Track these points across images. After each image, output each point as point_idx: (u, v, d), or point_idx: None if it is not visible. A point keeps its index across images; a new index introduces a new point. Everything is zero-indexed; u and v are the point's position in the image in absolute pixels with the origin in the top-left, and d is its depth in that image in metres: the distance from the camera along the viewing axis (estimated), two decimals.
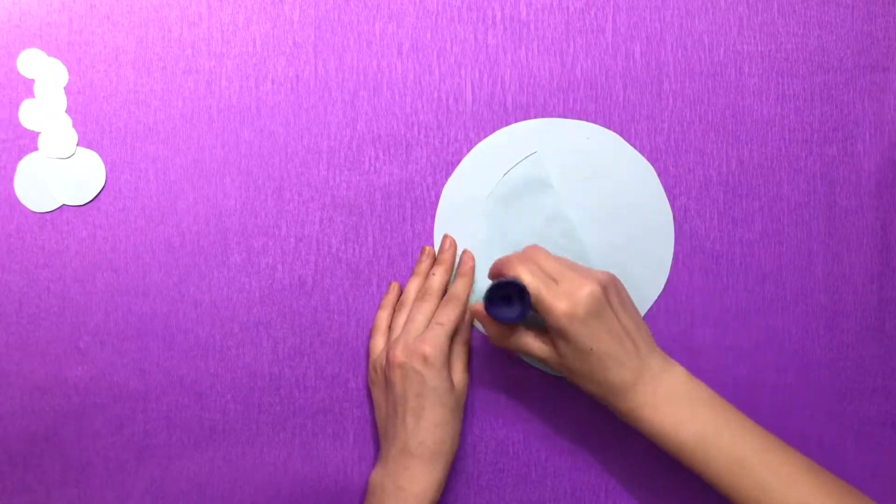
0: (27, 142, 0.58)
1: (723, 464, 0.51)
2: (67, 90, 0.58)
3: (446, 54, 0.59)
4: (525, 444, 0.59)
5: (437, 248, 0.59)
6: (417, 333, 0.54)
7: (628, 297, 0.54)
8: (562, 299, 0.51)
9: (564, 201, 0.59)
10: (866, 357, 0.60)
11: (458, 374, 0.55)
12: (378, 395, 0.56)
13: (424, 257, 0.59)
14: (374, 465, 0.59)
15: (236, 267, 0.59)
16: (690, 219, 0.60)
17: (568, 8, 0.60)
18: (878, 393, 0.60)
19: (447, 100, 0.59)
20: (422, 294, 0.57)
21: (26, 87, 0.58)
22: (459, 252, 0.59)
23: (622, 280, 0.55)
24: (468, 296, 0.57)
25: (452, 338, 0.55)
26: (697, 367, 0.60)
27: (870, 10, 0.61)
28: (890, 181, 0.60)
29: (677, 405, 0.52)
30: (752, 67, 0.60)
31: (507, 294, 0.52)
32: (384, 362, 0.55)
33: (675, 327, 0.60)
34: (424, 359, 0.53)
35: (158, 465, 0.58)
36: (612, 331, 0.52)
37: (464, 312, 0.56)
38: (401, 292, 0.59)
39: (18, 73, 0.58)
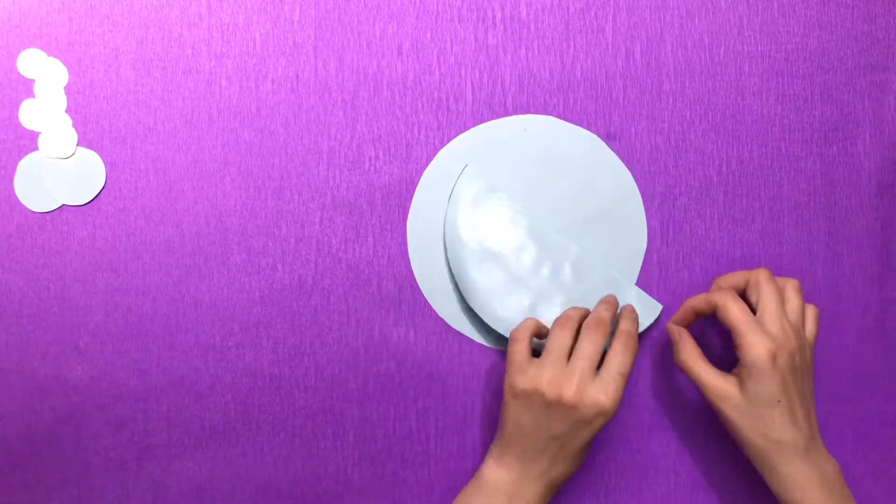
0: (27, 142, 0.58)
1: None
2: (67, 90, 0.58)
3: (446, 54, 0.60)
4: None
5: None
6: (590, 372, 0.51)
7: (812, 374, 0.54)
8: (768, 340, 0.50)
9: (522, 198, 0.59)
10: (866, 357, 0.60)
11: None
12: (520, 409, 0.52)
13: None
14: (373, 464, 0.59)
15: (236, 267, 0.59)
16: (690, 219, 0.60)
17: (568, 8, 0.60)
18: (878, 393, 0.60)
19: (447, 100, 0.59)
20: (594, 323, 0.53)
21: (26, 87, 0.58)
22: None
23: (603, 255, 0.57)
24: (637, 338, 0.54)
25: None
26: None
27: (870, 10, 0.61)
28: (890, 181, 0.61)
29: (831, 493, 0.50)
30: (752, 67, 0.60)
31: None
32: (545, 384, 0.51)
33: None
34: (600, 411, 0.50)
35: (158, 465, 0.58)
36: (802, 392, 0.51)
37: (636, 348, 0.53)
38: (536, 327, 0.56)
39: (18, 73, 0.58)
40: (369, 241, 0.59)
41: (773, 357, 0.50)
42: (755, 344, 0.50)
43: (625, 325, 0.54)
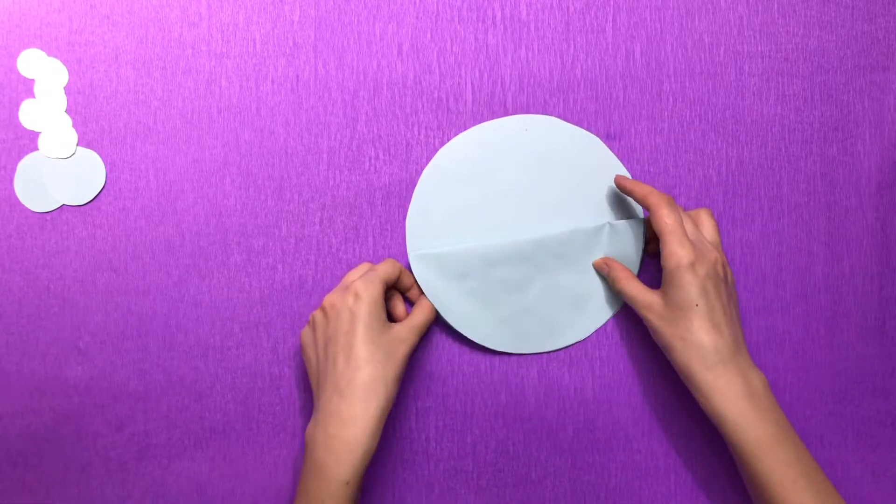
0: (27, 142, 0.58)
1: (774, 477, 0.50)
2: (67, 90, 0.58)
3: (446, 54, 0.60)
4: (525, 444, 0.59)
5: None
6: (348, 283, 0.55)
7: (734, 288, 0.55)
8: (689, 248, 0.52)
9: (524, 198, 0.59)
10: (866, 357, 0.60)
11: (413, 317, 0.56)
12: (309, 349, 0.54)
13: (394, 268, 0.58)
14: (373, 464, 0.59)
15: (236, 267, 0.59)
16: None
17: (568, 8, 0.60)
18: (878, 393, 0.60)
19: (447, 100, 0.59)
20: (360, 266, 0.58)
21: (26, 88, 0.58)
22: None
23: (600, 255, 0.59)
24: (399, 270, 0.57)
25: (393, 289, 0.57)
26: None
27: (870, 10, 0.61)
28: (890, 181, 0.61)
29: (755, 404, 0.51)
30: (752, 67, 0.60)
31: None
32: (317, 313, 0.54)
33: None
34: (356, 295, 0.52)
35: (158, 465, 0.58)
36: (721, 299, 0.52)
37: (398, 269, 0.56)
38: None
39: (18, 73, 0.58)
40: (369, 241, 0.59)
41: (692, 264, 0.52)
42: (676, 251, 0.52)
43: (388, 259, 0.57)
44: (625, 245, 0.59)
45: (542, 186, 0.59)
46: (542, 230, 0.59)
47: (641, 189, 0.56)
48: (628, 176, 0.59)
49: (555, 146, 0.59)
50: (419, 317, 0.56)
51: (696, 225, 0.56)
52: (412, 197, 0.59)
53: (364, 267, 0.57)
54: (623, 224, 0.59)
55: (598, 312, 0.60)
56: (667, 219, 0.53)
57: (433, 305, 0.57)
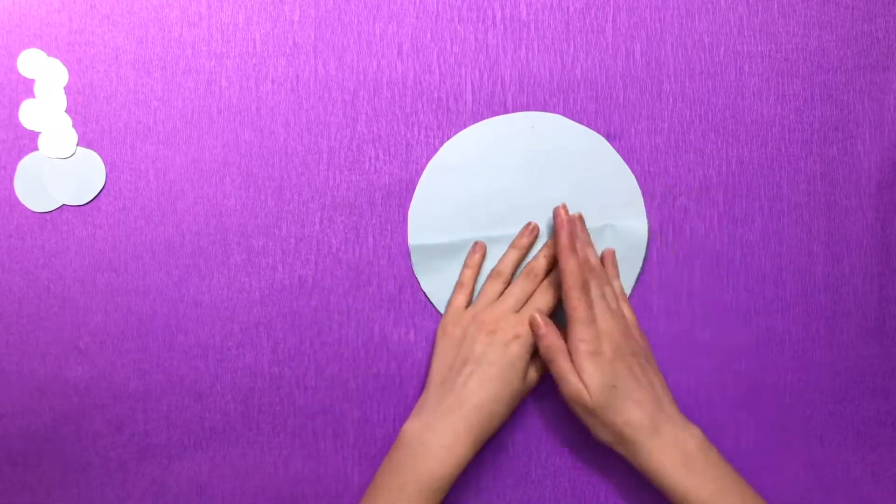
0: (27, 142, 0.58)
1: None
2: (67, 90, 0.58)
3: (446, 54, 0.59)
4: (525, 444, 0.59)
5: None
6: (514, 307, 0.56)
7: (651, 355, 0.56)
8: (593, 335, 0.53)
9: (527, 195, 0.59)
10: (866, 357, 0.60)
11: (534, 370, 0.56)
12: (447, 346, 0.56)
13: (527, 232, 0.59)
14: (373, 464, 0.59)
15: (236, 267, 0.59)
16: (690, 219, 0.60)
17: (568, 8, 0.60)
18: (878, 393, 0.60)
19: (447, 100, 0.59)
20: (527, 272, 0.57)
21: (26, 87, 0.58)
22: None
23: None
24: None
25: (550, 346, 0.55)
26: (698, 367, 0.60)
27: (870, 10, 0.61)
28: (890, 181, 0.60)
29: (690, 468, 0.51)
30: (752, 67, 0.60)
31: None
32: (469, 320, 0.56)
33: (675, 327, 0.60)
34: (517, 336, 0.54)
35: (158, 465, 0.58)
36: (635, 375, 0.53)
37: (558, 299, 0.56)
38: (484, 255, 0.59)
39: (18, 73, 0.58)
40: (369, 241, 0.59)
41: (597, 352, 0.53)
42: (582, 339, 0.53)
43: (555, 275, 0.57)
44: (626, 247, 0.59)
45: (546, 184, 0.59)
46: (543, 228, 0.59)
47: (566, 262, 0.55)
48: (633, 177, 0.59)
49: (560, 145, 0.59)
50: (541, 378, 0.57)
51: (600, 291, 0.56)
52: (416, 188, 0.59)
53: (513, 259, 0.58)
54: (625, 225, 0.59)
55: None
56: (579, 304, 0.54)
57: (545, 370, 0.56)
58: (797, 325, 0.60)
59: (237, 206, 0.59)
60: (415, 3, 0.59)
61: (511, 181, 0.59)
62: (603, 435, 0.54)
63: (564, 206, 0.58)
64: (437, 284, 0.59)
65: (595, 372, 0.52)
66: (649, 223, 0.60)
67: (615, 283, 0.58)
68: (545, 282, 0.57)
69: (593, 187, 0.59)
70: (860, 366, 0.60)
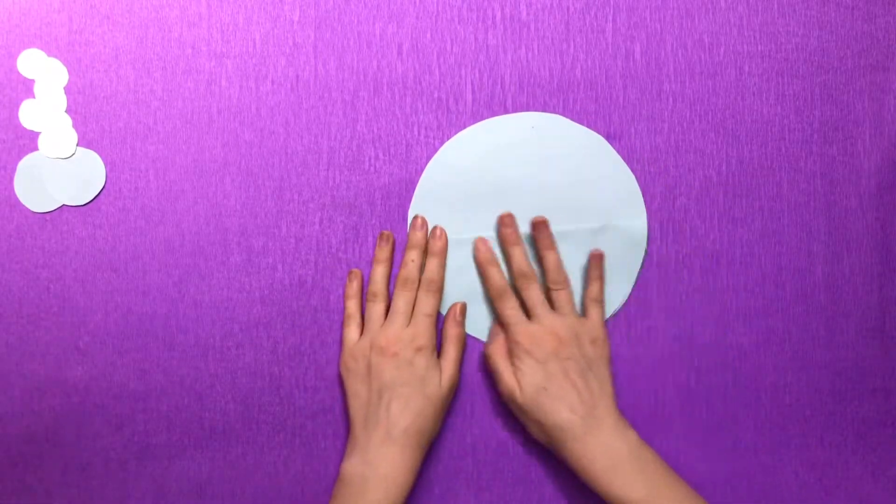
0: (27, 142, 0.58)
1: None
2: (67, 90, 0.58)
3: (446, 54, 0.59)
4: (525, 444, 0.59)
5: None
6: (404, 323, 0.56)
7: (602, 360, 0.56)
8: (525, 336, 0.56)
9: (527, 195, 0.59)
10: (866, 357, 0.60)
11: (449, 370, 0.56)
12: (356, 383, 0.56)
13: (384, 243, 0.59)
14: None
15: (236, 267, 0.59)
16: (690, 219, 0.60)
17: (568, 8, 0.60)
18: (878, 393, 0.60)
19: (447, 100, 0.59)
20: (402, 282, 0.58)
21: (26, 88, 0.58)
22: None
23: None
24: (443, 277, 0.58)
25: (446, 338, 0.57)
26: (697, 367, 0.60)
27: (870, 10, 0.61)
28: (890, 181, 0.61)
29: (619, 472, 0.52)
30: (752, 67, 0.60)
31: None
32: (367, 351, 0.56)
33: (674, 327, 0.60)
34: (418, 350, 0.55)
35: (159, 465, 0.58)
36: (570, 378, 0.55)
37: (441, 296, 0.58)
38: (361, 282, 0.59)
39: (18, 73, 0.58)
40: (369, 241, 0.59)
41: (529, 352, 0.55)
42: (515, 342, 0.56)
43: (428, 274, 0.58)
44: (626, 247, 0.59)
45: (546, 184, 0.59)
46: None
47: (487, 272, 0.58)
48: (633, 179, 0.59)
49: (561, 145, 0.59)
50: (456, 373, 0.57)
51: (552, 304, 0.57)
52: (416, 186, 0.59)
53: (381, 274, 0.59)
54: (625, 225, 0.59)
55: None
56: (505, 310, 0.57)
57: (460, 354, 0.58)
58: (797, 325, 0.60)
59: (237, 206, 0.59)
60: (415, 3, 0.59)
61: (511, 181, 0.59)
62: (536, 434, 0.56)
63: (509, 215, 0.58)
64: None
65: (527, 371, 0.55)
66: (649, 223, 0.60)
67: (593, 286, 0.58)
68: (423, 285, 0.58)
69: (593, 187, 0.59)
70: (860, 366, 0.60)
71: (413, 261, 0.58)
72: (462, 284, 0.59)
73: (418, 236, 0.58)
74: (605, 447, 0.53)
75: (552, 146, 0.59)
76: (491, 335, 0.59)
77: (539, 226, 0.58)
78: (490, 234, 0.59)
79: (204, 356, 0.59)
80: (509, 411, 0.59)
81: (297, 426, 0.59)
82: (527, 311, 0.57)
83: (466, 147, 0.59)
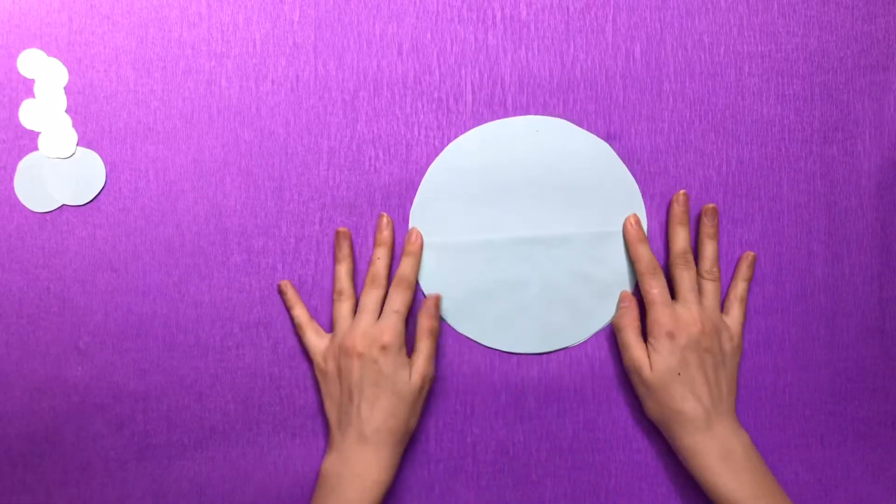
0: (27, 142, 0.58)
1: None
2: (67, 90, 0.58)
3: (446, 54, 0.59)
4: (525, 444, 0.59)
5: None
6: (371, 321, 0.56)
7: (734, 359, 0.57)
8: (668, 318, 0.56)
9: (529, 198, 0.59)
10: (866, 357, 0.60)
11: (420, 365, 0.56)
12: (328, 384, 0.56)
13: (342, 240, 0.58)
14: None
15: (236, 267, 0.59)
16: (691, 219, 0.60)
17: (568, 8, 0.60)
18: (878, 393, 0.60)
19: (447, 100, 0.59)
20: (370, 280, 0.58)
21: (26, 87, 0.58)
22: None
23: (603, 265, 0.59)
24: (416, 276, 0.58)
25: (419, 332, 0.57)
26: None
27: (870, 10, 0.61)
28: (890, 181, 0.60)
29: (730, 468, 0.53)
30: (752, 67, 0.60)
31: None
32: (336, 352, 0.56)
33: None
34: (383, 348, 0.55)
35: (159, 465, 0.58)
36: (704, 370, 0.55)
37: (413, 294, 0.57)
38: (294, 288, 0.59)
39: (18, 73, 0.58)
40: (369, 242, 0.59)
41: (671, 334, 0.55)
42: (657, 321, 0.56)
43: (400, 271, 0.58)
44: (626, 253, 0.59)
45: (549, 188, 0.59)
46: (544, 231, 0.59)
47: (637, 250, 0.58)
48: (636, 185, 0.59)
49: (564, 149, 0.59)
50: (428, 367, 0.56)
51: (701, 293, 0.58)
52: (419, 187, 0.59)
53: (344, 271, 0.58)
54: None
55: (594, 319, 0.60)
56: (652, 288, 0.57)
57: (433, 330, 0.57)
58: (797, 325, 0.60)
59: (237, 206, 0.59)
60: (415, 3, 0.59)
61: (513, 184, 0.59)
62: (653, 412, 0.56)
63: (684, 194, 0.59)
64: (437, 285, 0.59)
65: (663, 352, 0.55)
66: (649, 223, 0.60)
67: (739, 285, 0.59)
68: (394, 282, 0.57)
69: (595, 192, 0.59)
70: (860, 366, 0.60)
71: (379, 258, 0.58)
72: (463, 285, 0.59)
73: (384, 235, 0.58)
74: (722, 443, 0.54)
75: (556, 150, 0.59)
76: (621, 308, 0.58)
77: (709, 212, 0.58)
78: (491, 237, 0.59)
79: (204, 356, 0.59)
80: (509, 411, 0.59)
81: (297, 426, 0.59)
82: (673, 294, 0.58)
83: (470, 149, 0.59)
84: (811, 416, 0.60)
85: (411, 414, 0.55)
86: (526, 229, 0.59)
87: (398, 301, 0.56)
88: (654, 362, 0.55)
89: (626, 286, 0.59)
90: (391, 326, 0.55)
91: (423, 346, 0.56)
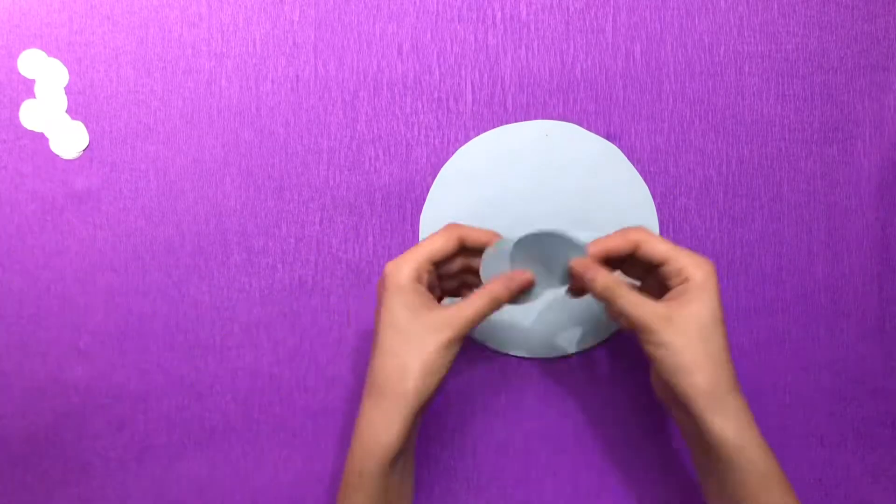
0: (27, 142, 0.58)
1: (753, 477, 0.46)
2: (68, 90, 0.58)
3: (446, 54, 0.60)
4: (525, 444, 0.59)
5: None
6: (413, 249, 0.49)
7: None
8: (702, 263, 0.47)
9: (538, 203, 0.59)
10: (866, 357, 0.60)
11: (458, 315, 0.47)
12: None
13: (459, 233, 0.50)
14: None
15: (236, 267, 0.59)
16: (690, 219, 0.60)
17: (568, 8, 0.60)
18: (878, 393, 0.60)
19: (447, 100, 0.59)
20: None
21: (26, 88, 0.58)
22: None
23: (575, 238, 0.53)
24: (459, 237, 0.50)
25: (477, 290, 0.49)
26: None
27: (870, 10, 0.61)
28: (890, 181, 0.61)
29: (760, 436, 0.47)
30: (752, 67, 0.60)
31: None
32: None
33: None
34: (383, 278, 0.48)
35: (159, 465, 0.58)
36: (727, 340, 0.48)
37: (451, 238, 0.49)
38: None
39: (18, 73, 0.58)
40: (369, 241, 0.59)
41: (715, 274, 0.47)
42: (700, 263, 0.47)
43: (469, 236, 0.50)
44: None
45: (558, 193, 0.59)
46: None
47: (626, 236, 0.49)
48: (646, 189, 0.59)
49: (574, 154, 0.59)
50: (468, 307, 0.48)
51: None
52: (428, 192, 0.59)
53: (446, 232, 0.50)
54: None
55: (601, 327, 0.59)
56: (664, 243, 0.48)
57: (495, 295, 0.49)
58: (797, 325, 0.60)
59: (237, 206, 0.59)
60: (415, 3, 0.59)
61: (523, 189, 0.59)
62: (676, 362, 0.46)
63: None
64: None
65: (708, 298, 0.46)
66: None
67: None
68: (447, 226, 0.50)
69: (606, 197, 0.59)
70: (860, 366, 0.60)
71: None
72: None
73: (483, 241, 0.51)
74: (748, 409, 0.47)
75: (565, 154, 0.59)
76: (593, 277, 0.49)
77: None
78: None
79: (204, 356, 0.59)
80: (509, 411, 0.59)
81: (297, 426, 0.59)
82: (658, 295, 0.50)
83: (479, 153, 0.59)
84: (811, 416, 0.60)
85: (415, 356, 0.47)
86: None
87: (428, 241, 0.49)
88: (696, 314, 0.46)
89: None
90: (400, 258, 0.48)
91: (481, 294, 0.48)
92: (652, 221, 0.59)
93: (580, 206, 0.59)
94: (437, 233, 0.50)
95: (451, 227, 0.50)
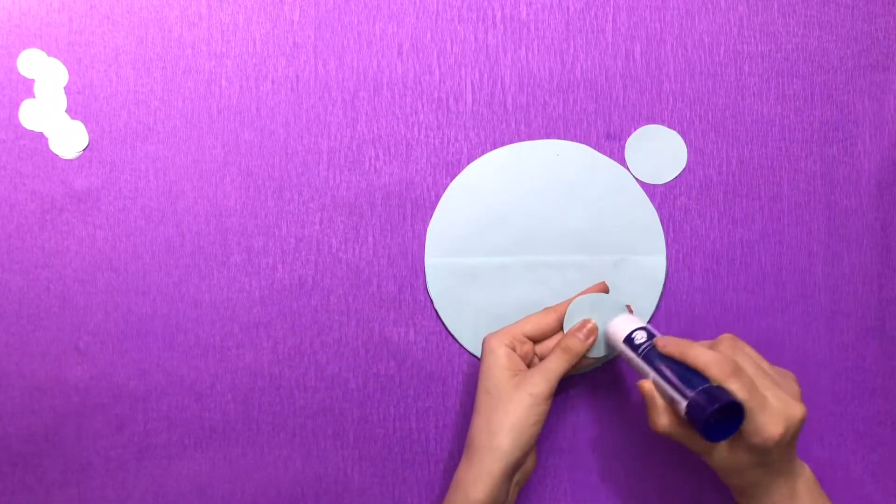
0: (27, 142, 0.58)
1: None
2: (67, 90, 0.58)
3: (446, 54, 0.60)
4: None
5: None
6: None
7: None
8: (776, 423, 0.46)
9: (547, 222, 0.59)
10: (866, 357, 0.60)
11: (539, 372, 0.51)
12: None
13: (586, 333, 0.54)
14: (373, 464, 0.59)
15: (236, 267, 0.59)
16: (690, 219, 0.60)
17: (568, 8, 0.60)
18: (878, 393, 0.60)
19: (447, 100, 0.59)
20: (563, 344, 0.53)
21: (26, 88, 0.58)
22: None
23: (617, 297, 0.56)
24: (573, 363, 0.53)
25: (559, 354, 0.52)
26: None
27: (870, 10, 0.61)
28: (890, 181, 0.61)
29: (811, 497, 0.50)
30: (752, 67, 0.60)
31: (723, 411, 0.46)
32: None
33: (675, 327, 0.60)
34: (484, 342, 0.53)
35: (159, 465, 0.58)
36: (795, 450, 0.50)
37: (551, 320, 0.54)
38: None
39: (18, 73, 0.58)
40: (369, 241, 0.59)
41: (784, 435, 0.47)
42: (768, 424, 0.47)
43: (574, 347, 0.53)
44: (644, 282, 0.59)
45: (567, 213, 0.59)
46: (561, 256, 0.59)
47: (698, 357, 0.48)
48: (655, 213, 0.59)
49: (584, 175, 0.59)
50: (548, 362, 0.52)
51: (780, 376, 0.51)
52: (437, 206, 0.59)
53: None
54: (644, 261, 0.59)
55: (608, 346, 0.59)
56: (740, 392, 0.47)
57: (567, 344, 0.52)
58: (797, 325, 0.60)
59: (237, 206, 0.59)
60: (415, 3, 0.59)
61: (532, 207, 0.59)
62: (729, 481, 0.50)
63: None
64: (450, 304, 0.59)
65: (768, 462, 0.48)
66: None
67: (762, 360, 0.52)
68: (563, 345, 0.53)
69: (614, 219, 0.59)
70: (860, 366, 0.60)
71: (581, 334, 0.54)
72: (478, 307, 0.59)
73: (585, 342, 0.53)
74: (803, 477, 0.51)
75: (576, 175, 0.59)
76: (653, 403, 0.51)
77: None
78: (506, 259, 0.59)
79: (204, 356, 0.59)
80: None
81: (297, 426, 0.59)
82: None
83: (490, 169, 0.59)
84: (811, 416, 0.60)
85: (501, 413, 0.50)
86: (543, 253, 0.59)
87: (528, 320, 0.54)
88: (760, 462, 0.48)
89: (644, 313, 0.59)
90: (507, 326, 0.53)
91: (561, 348, 0.52)
92: (658, 245, 0.59)
93: (587, 227, 0.59)
94: (536, 312, 0.55)
95: (549, 308, 0.55)
